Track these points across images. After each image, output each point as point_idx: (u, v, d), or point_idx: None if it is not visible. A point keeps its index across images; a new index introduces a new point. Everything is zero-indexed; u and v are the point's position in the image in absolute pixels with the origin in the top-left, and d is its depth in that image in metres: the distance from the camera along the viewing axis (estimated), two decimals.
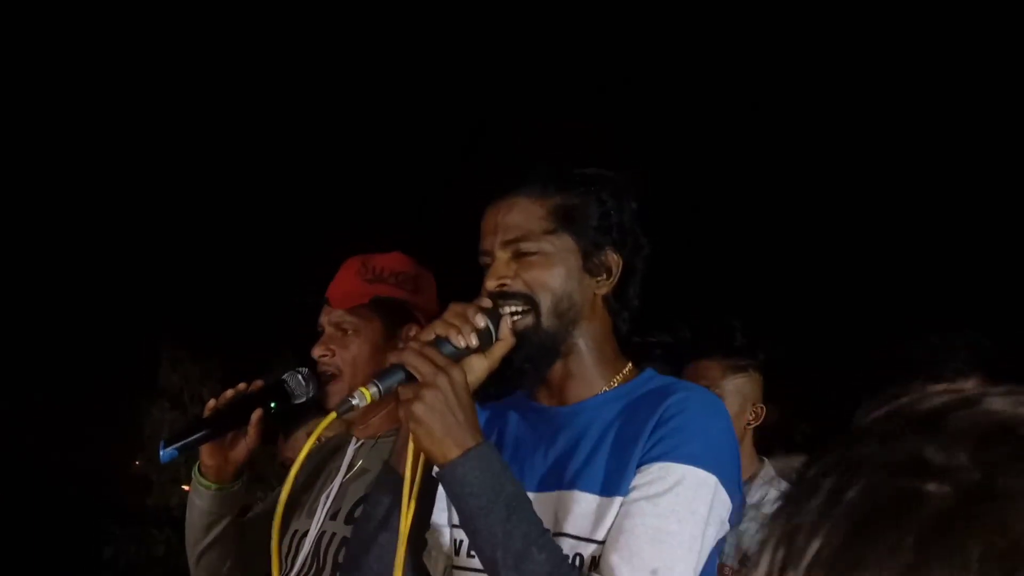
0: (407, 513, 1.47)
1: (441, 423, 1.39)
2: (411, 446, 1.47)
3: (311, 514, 1.97)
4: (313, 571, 1.91)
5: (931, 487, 0.50)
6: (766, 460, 2.82)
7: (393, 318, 1.96)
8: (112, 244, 18.51)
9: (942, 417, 0.53)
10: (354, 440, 1.99)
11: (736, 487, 1.48)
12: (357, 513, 1.86)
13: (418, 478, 1.48)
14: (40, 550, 15.75)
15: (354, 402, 1.42)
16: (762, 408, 2.79)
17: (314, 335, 2.02)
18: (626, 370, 1.60)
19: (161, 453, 1.89)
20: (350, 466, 1.97)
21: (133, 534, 15.45)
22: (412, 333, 1.98)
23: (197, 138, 18.30)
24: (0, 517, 17.16)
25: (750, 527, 2.59)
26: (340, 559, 1.86)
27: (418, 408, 1.39)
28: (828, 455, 0.56)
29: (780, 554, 0.53)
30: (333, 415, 1.46)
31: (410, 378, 1.43)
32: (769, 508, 2.61)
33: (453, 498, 1.43)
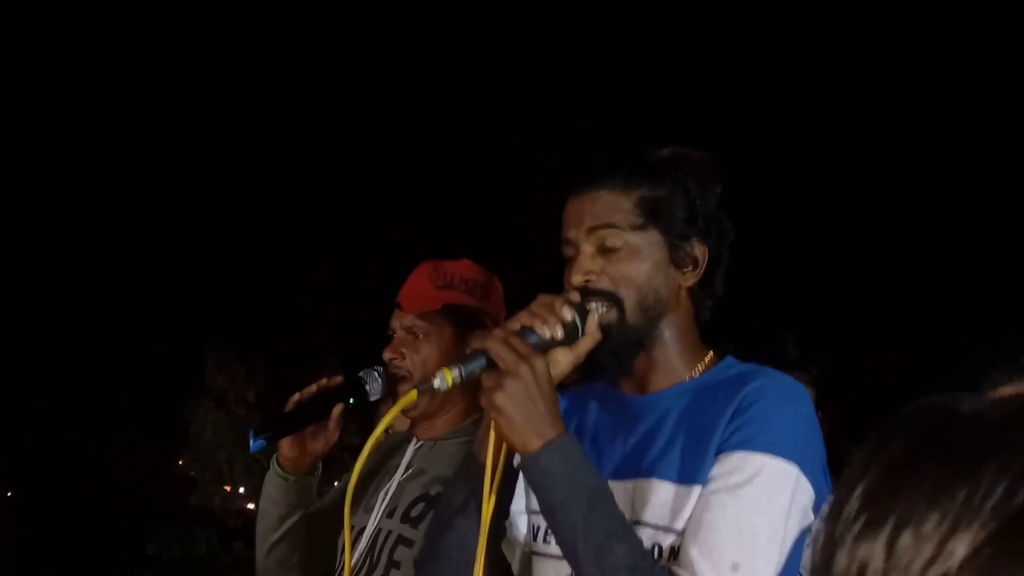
0: (488, 503, 1.43)
1: (523, 413, 1.37)
2: (492, 435, 1.43)
3: (368, 510, 2.00)
4: (367, 567, 1.94)
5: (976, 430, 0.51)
6: None
7: (463, 324, 1.99)
8: (163, 250, 18.75)
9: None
10: (414, 440, 2.03)
11: (820, 475, 1.42)
12: (414, 512, 1.90)
13: (500, 467, 1.44)
14: (86, 545, 15.96)
15: (435, 383, 1.36)
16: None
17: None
18: (707, 358, 1.54)
19: (251, 443, 1.94)
20: (408, 466, 2.01)
21: (176, 532, 15.55)
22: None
23: (243, 152, 18.47)
24: (48, 513, 17.43)
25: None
26: (395, 556, 1.87)
27: (499, 397, 1.36)
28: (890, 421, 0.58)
29: (836, 508, 0.56)
30: (413, 394, 1.43)
31: (492, 365, 1.38)
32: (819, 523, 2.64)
33: (535, 489, 1.41)
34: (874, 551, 0.52)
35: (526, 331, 1.40)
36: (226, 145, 18.36)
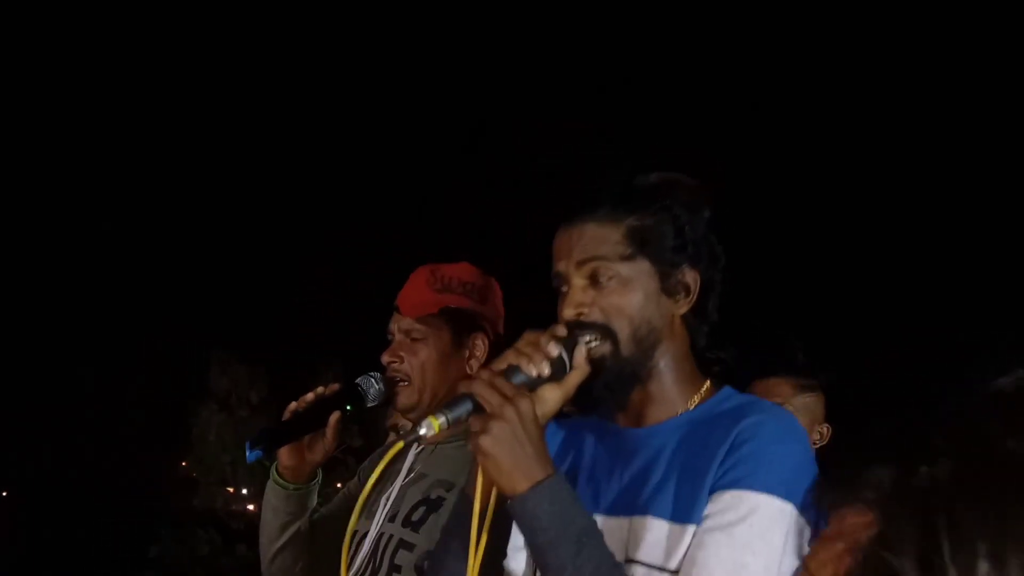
0: (474, 547, 1.44)
1: (509, 456, 1.36)
2: (480, 478, 1.43)
3: (370, 516, 2.01)
4: (369, 572, 1.95)
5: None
6: None
7: (461, 327, 2.01)
8: (165, 252, 18.79)
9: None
10: (415, 444, 2.04)
11: (816, 512, 1.40)
12: (415, 516, 1.93)
13: (490, 509, 1.45)
14: (88, 546, 15.97)
15: (422, 432, 1.38)
16: (828, 428, 2.78)
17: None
18: (704, 389, 1.55)
19: (248, 454, 1.95)
20: (409, 470, 2.01)
21: (178, 534, 15.54)
22: (478, 342, 2.01)
23: (244, 153, 18.52)
24: (51, 514, 17.44)
25: None
26: (396, 560, 1.91)
27: (485, 441, 1.36)
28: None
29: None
30: (400, 444, 1.46)
31: (479, 408, 1.39)
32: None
33: (523, 531, 1.40)
34: None
35: (512, 370, 1.41)
36: (227, 147, 18.38)
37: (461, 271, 2.07)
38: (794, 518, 1.38)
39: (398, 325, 2.02)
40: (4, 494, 17.28)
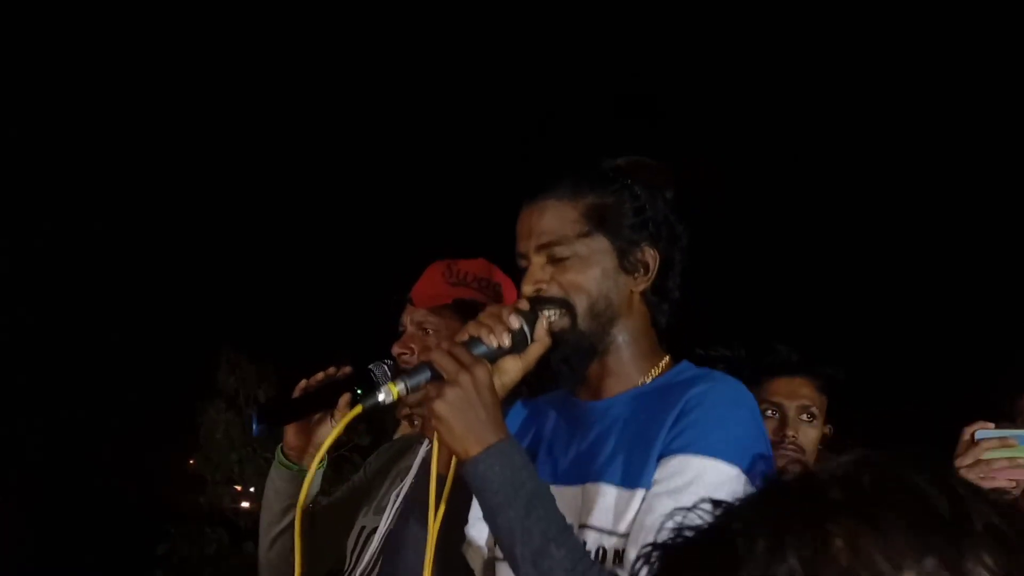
0: (434, 512, 1.49)
1: (463, 420, 1.41)
2: (436, 443, 1.50)
3: (380, 511, 2.00)
4: (378, 569, 1.92)
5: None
6: None
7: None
8: (173, 250, 18.81)
9: None
10: (427, 441, 2.02)
11: (763, 476, 1.42)
12: None
13: (449, 476, 1.51)
14: (96, 544, 16.00)
15: (380, 398, 1.46)
16: (830, 429, 2.79)
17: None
18: (663, 363, 1.61)
19: (254, 427, 1.94)
20: (420, 466, 1.98)
21: (186, 532, 15.62)
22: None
23: (254, 151, 18.55)
24: (58, 512, 17.48)
25: None
26: None
27: (440, 406, 1.43)
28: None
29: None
30: (358, 408, 1.50)
31: (437, 376, 1.46)
32: None
33: (476, 494, 1.46)
34: None
35: (473, 341, 1.48)
36: (236, 144, 18.40)
37: (477, 267, 2.06)
38: (741, 481, 1.43)
39: (411, 317, 2.01)
40: (10, 491, 17.32)
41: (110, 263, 18.55)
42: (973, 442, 1.88)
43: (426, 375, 1.47)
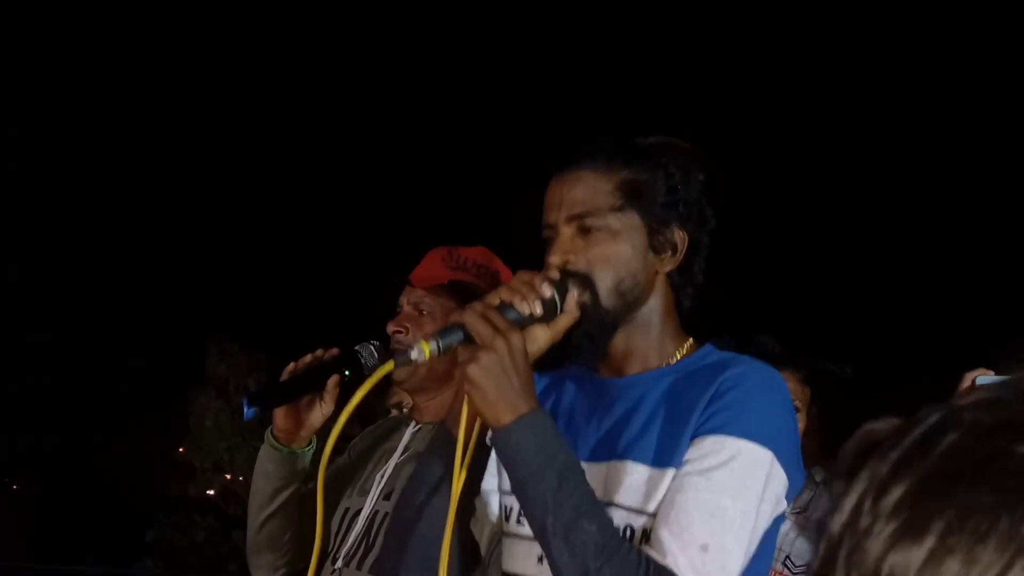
0: (458, 478, 1.44)
1: (496, 387, 1.36)
2: (465, 409, 1.43)
3: (364, 492, 2.00)
4: (363, 549, 1.94)
5: (1021, 448, 0.49)
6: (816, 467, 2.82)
7: (469, 304, 1.99)
8: (164, 238, 18.78)
9: None
10: (412, 423, 2.03)
11: (794, 464, 1.44)
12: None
13: (472, 442, 1.45)
14: (85, 531, 16.00)
15: (413, 355, 1.38)
16: (817, 414, 2.81)
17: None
18: (687, 345, 1.56)
19: (245, 411, 1.93)
20: (405, 448, 2.00)
21: (175, 519, 15.60)
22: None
23: (245, 139, 18.51)
24: (48, 499, 17.46)
25: (791, 531, 2.62)
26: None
27: (473, 370, 1.36)
28: (933, 408, 0.56)
29: (865, 501, 0.54)
30: (391, 364, 1.43)
31: (469, 339, 1.39)
32: (818, 514, 2.63)
33: (505, 464, 1.41)
34: (910, 562, 0.50)
35: (505, 306, 1.41)
36: (226, 132, 18.38)
37: (477, 254, 2.08)
38: (773, 465, 1.40)
39: (407, 297, 2.02)
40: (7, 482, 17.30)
41: (100, 253, 18.51)
42: (973, 388, 1.89)
43: (459, 336, 1.38)
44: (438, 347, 1.38)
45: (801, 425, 2.77)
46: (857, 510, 0.54)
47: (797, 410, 2.74)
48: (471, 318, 1.38)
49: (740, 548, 1.36)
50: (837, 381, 2.88)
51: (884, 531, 0.51)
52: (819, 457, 2.79)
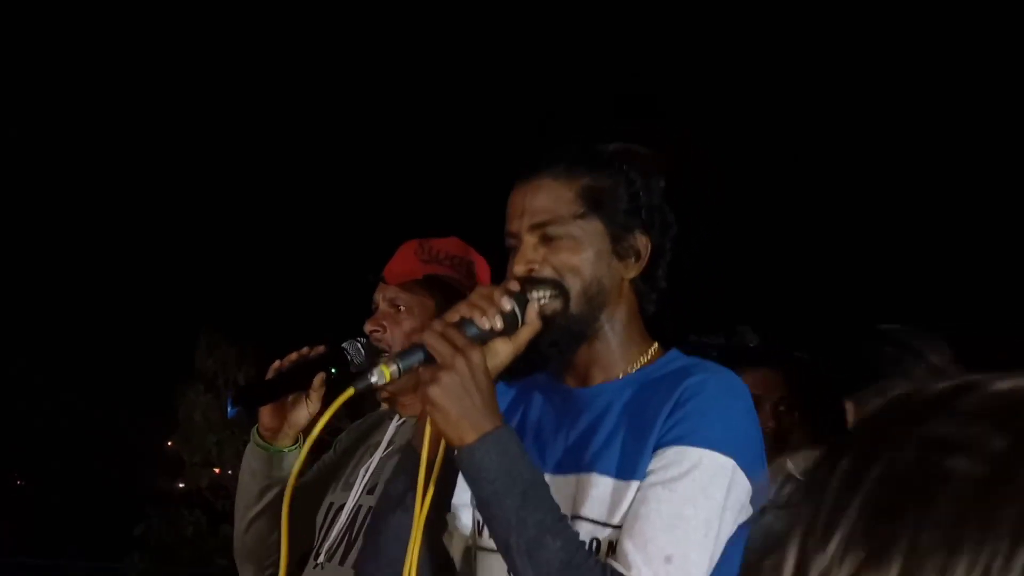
0: (421, 497, 1.44)
1: (458, 406, 1.36)
2: (428, 428, 1.43)
3: (348, 487, 1.99)
4: (346, 544, 1.93)
5: (957, 461, 0.48)
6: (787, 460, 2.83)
7: (445, 297, 1.97)
8: (153, 232, 18.74)
9: (952, 399, 0.52)
10: (396, 417, 2.02)
11: (757, 469, 1.44)
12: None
13: (438, 460, 1.45)
14: (73, 525, 15.96)
15: (372, 379, 1.38)
16: (796, 415, 2.81)
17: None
18: (651, 351, 1.56)
19: (229, 410, 1.93)
20: (389, 442, 1.99)
21: (164, 514, 15.58)
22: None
23: (234, 134, 18.47)
24: (35, 494, 17.43)
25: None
26: None
27: (434, 391, 1.36)
28: (841, 440, 0.54)
29: (807, 541, 0.52)
30: (351, 391, 1.43)
31: (430, 359, 1.39)
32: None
33: (469, 482, 1.41)
34: None
35: (464, 323, 1.41)
36: (216, 131, 18.32)
37: (449, 245, 2.06)
38: (736, 472, 1.41)
39: (383, 295, 2.00)
40: None
41: (88, 247, 18.46)
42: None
43: (419, 357, 1.39)
44: (399, 369, 1.38)
45: (788, 422, 2.77)
46: (803, 554, 0.51)
47: (781, 411, 2.73)
48: (430, 338, 1.38)
49: (704, 557, 1.38)
50: (818, 374, 2.88)
51: (844, 567, 0.49)
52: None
